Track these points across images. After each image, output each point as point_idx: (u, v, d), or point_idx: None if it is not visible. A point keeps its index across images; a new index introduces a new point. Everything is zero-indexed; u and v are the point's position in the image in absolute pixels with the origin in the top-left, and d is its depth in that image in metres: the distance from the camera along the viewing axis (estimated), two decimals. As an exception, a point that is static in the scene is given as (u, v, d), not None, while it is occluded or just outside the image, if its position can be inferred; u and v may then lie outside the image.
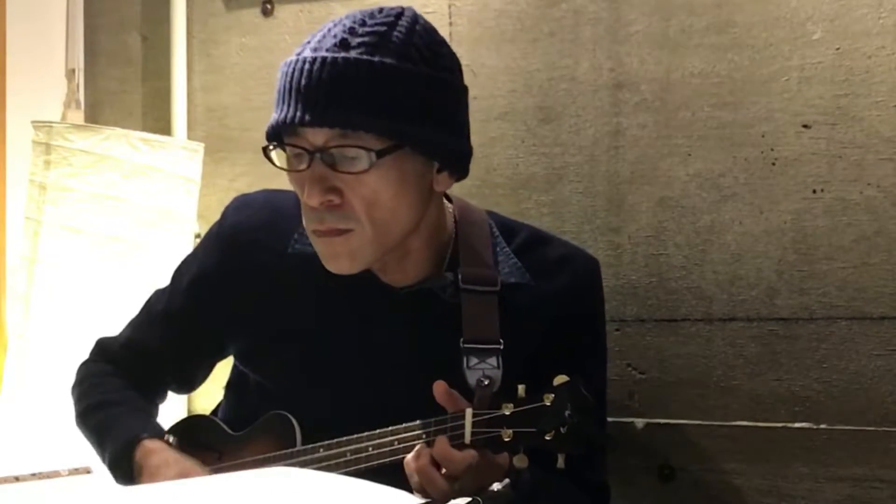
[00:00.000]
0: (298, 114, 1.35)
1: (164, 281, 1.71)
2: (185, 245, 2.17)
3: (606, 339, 1.63)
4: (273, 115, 1.40)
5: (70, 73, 2.44)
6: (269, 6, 2.28)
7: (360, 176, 1.37)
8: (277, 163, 1.43)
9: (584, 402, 1.28)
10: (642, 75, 1.96)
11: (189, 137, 2.33)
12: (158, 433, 1.58)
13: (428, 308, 1.49)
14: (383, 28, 1.38)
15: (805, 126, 1.85)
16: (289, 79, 1.38)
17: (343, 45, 1.36)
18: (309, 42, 1.40)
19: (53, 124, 2.15)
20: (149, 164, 2.16)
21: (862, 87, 1.82)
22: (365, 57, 1.35)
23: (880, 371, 1.81)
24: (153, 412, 1.69)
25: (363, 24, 1.39)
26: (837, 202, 1.83)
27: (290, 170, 1.42)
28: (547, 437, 1.28)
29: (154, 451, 1.52)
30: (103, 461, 1.60)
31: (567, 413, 1.27)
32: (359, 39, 1.37)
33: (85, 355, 1.75)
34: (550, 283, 1.53)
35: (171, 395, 1.74)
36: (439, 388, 1.34)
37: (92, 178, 2.12)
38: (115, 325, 1.74)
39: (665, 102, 1.94)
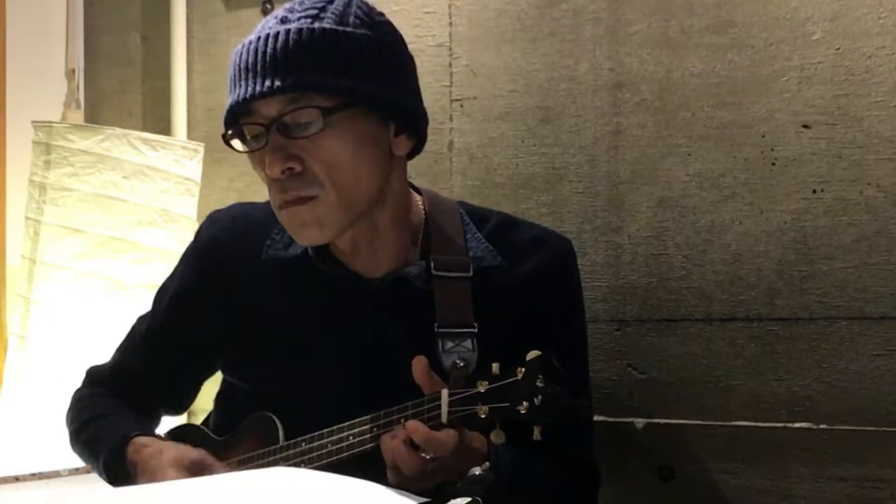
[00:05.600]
0: (249, 89, 1.40)
1: (164, 281, 1.70)
2: (185, 245, 2.16)
3: (585, 315, 1.63)
4: (227, 101, 1.44)
5: (70, 73, 2.44)
6: (269, 6, 2.28)
7: (316, 139, 1.40)
8: (238, 148, 1.47)
9: (556, 374, 1.29)
10: (642, 75, 1.96)
11: (189, 137, 2.33)
12: (149, 433, 1.58)
13: (402, 297, 1.51)
14: (321, 3, 1.44)
15: (805, 126, 1.85)
16: (237, 61, 1.43)
17: (283, 21, 1.42)
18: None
19: (53, 124, 2.15)
20: (149, 164, 2.16)
21: (862, 87, 1.82)
22: (305, 25, 1.41)
23: (880, 371, 1.81)
24: (145, 422, 1.67)
25: (302, 3, 1.45)
26: (837, 202, 1.83)
27: (251, 150, 1.45)
28: (521, 410, 1.29)
29: (146, 444, 1.52)
30: (99, 471, 1.59)
31: (539, 384, 1.28)
32: (298, 14, 1.43)
33: (84, 357, 1.75)
34: (524, 265, 1.54)
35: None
36: (419, 365, 1.35)
37: (92, 178, 2.12)
38: (114, 325, 1.74)
39: (665, 102, 1.94)
